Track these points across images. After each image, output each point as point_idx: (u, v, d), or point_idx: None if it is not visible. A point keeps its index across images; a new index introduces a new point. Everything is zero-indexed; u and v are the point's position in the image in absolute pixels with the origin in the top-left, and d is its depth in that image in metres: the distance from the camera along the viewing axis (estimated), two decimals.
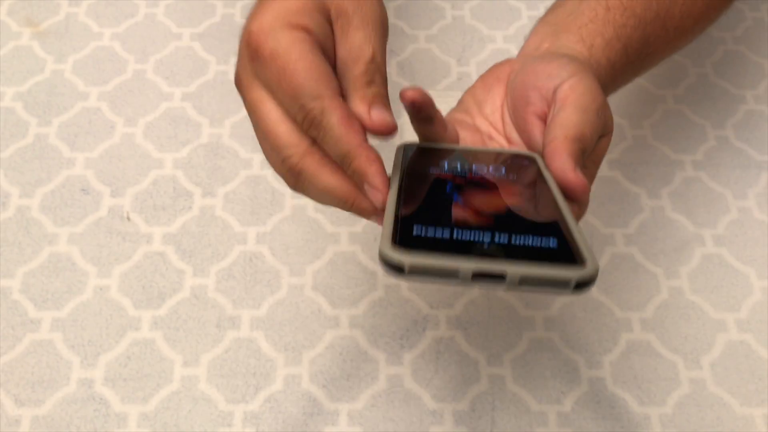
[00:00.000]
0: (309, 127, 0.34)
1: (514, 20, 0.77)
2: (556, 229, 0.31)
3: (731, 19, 0.78)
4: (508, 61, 0.45)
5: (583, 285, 0.28)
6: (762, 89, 0.72)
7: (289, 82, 0.34)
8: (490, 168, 0.38)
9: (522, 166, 0.38)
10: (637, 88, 0.72)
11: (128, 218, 0.63)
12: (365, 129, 0.35)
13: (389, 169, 0.36)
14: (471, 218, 0.32)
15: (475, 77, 0.72)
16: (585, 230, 0.63)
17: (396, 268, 0.28)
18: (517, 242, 0.30)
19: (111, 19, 0.75)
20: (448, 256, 0.28)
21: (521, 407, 0.54)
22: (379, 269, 0.60)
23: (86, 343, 0.56)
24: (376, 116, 0.35)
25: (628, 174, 0.66)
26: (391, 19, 0.76)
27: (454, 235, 0.30)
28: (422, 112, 0.39)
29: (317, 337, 0.57)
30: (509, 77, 0.43)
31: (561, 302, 0.59)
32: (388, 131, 0.36)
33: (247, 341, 0.57)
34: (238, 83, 0.37)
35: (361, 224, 0.63)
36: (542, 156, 0.37)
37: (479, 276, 0.28)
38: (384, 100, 0.36)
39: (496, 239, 0.30)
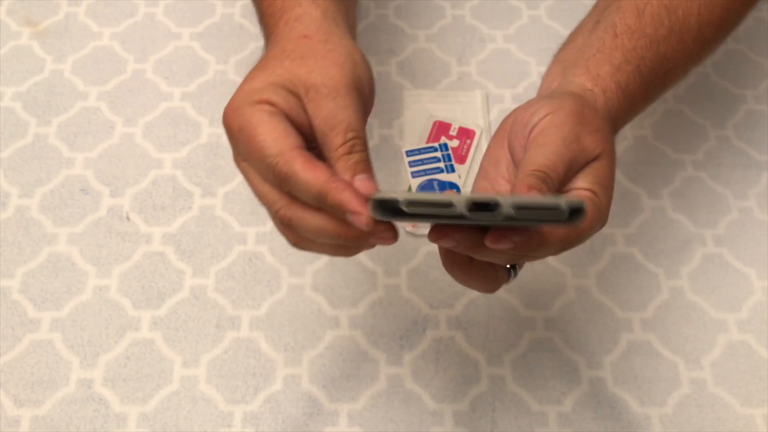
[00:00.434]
0: (280, 182, 0.37)
1: (514, 20, 0.77)
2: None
3: None
4: (513, 111, 0.45)
5: (575, 212, 0.28)
6: (762, 89, 0.72)
7: (254, 147, 0.37)
8: None
9: None
10: None
11: (128, 218, 0.62)
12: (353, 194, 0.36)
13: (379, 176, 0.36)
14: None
15: (475, 77, 0.72)
16: None
17: (391, 208, 0.28)
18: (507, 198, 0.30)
19: (110, 19, 0.75)
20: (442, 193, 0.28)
21: (521, 407, 0.54)
22: (379, 269, 0.60)
23: (86, 344, 0.56)
24: (360, 184, 0.37)
25: (629, 174, 0.66)
26: (391, 19, 0.76)
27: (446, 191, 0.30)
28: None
29: (317, 338, 0.57)
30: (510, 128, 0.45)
31: (561, 302, 0.59)
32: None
33: (246, 341, 0.57)
34: (234, 160, 0.41)
35: None
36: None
37: (475, 207, 0.28)
38: (366, 166, 0.37)
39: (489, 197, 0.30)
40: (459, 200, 0.28)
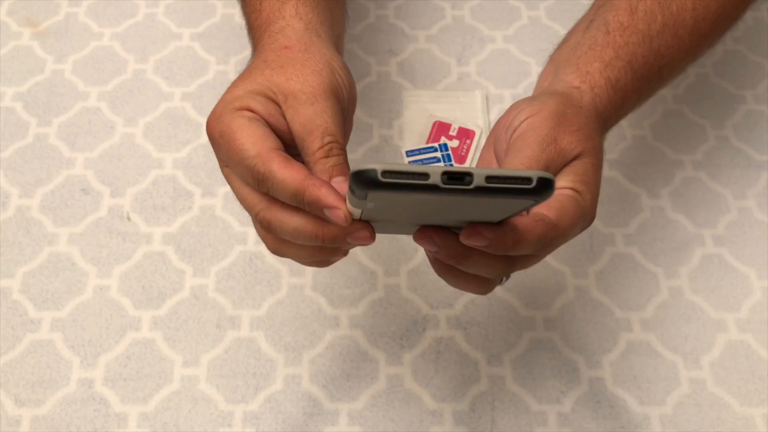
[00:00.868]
0: (259, 183, 0.37)
1: (514, 20, 0.77)
2: None
3: None
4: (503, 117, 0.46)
5: (544, 184, 0.29)
6: (762, 89, 0.72)
7: (234, 150, 0.38)
8: None
9: None
10: None
11: (128, 218, 0.63)
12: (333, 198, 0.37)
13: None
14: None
15: (475, 77, 0.72)
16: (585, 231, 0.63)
17: (368, 180, 0.28)
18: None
19: (111, 19, 0.75)
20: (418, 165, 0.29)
21: (521, 407, 0.54)
22: (379, 269, 0.60)
23: (86, 343, 0.56)
24: (338, 186, 0.37)
25: (628, 174, 0.66)
26: (391, 19, 0.76)
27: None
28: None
29: (317, 337, 0.57)
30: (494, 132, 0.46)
31: (561, 302, 0.59)
32: None
33: (247, 341, 0.57)
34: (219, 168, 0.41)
35: None
36: None
37: (448, 178, 0.28)
38: (343, 169, 0.38)
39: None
40: (434, 171, 0.29)
